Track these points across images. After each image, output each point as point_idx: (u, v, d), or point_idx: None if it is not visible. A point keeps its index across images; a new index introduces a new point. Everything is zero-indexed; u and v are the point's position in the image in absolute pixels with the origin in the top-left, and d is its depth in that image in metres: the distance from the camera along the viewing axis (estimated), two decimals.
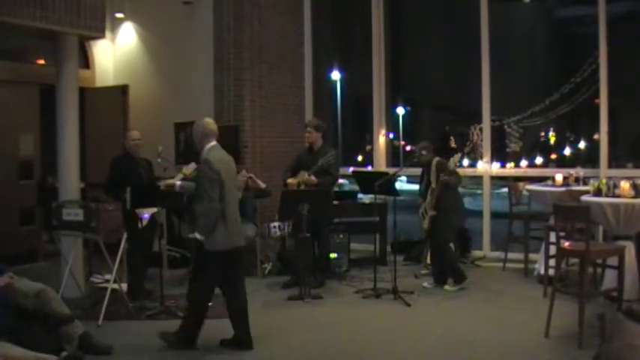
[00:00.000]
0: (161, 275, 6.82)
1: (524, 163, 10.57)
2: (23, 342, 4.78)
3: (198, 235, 5.35)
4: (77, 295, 6.69)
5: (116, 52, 10.82)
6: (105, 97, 10.20)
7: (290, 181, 7.88)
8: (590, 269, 6.45)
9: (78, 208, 6.66)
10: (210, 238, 5.33)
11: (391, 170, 8.63)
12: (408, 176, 13.14)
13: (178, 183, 6.78)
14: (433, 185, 7.46)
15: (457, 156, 7.58)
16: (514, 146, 9.52)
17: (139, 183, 6.52)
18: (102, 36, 8.23)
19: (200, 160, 5.53)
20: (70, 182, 7.51)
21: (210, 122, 5.61)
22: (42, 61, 9.96)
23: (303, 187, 7.70)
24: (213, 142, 5.50)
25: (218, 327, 5.77)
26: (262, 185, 8.20)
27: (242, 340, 5.56)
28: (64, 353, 4.94)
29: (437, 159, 7.53)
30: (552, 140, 13.17)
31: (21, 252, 8.99)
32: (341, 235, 8.56)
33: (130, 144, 7.21)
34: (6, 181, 9.43)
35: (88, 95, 9.77)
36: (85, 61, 10.35)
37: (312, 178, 7.63)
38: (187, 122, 9.99)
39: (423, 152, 7.61)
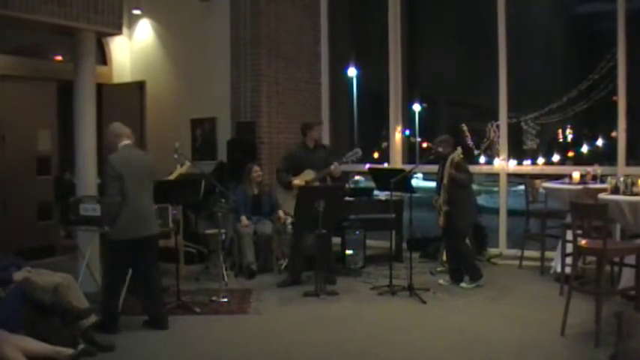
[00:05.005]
0: (177, 271, 6.86)
1: (541, 160, 10.50)
2: (42, 335, 4.83)
3: (105, 226, 5.98)
4: (94, 290, 6.72)
5: (133, 48, 10.88)
6: (122, 93, 10.26)
7: (296, 182, 7.60)
8: (608, 267, 6.40)
9: (95, 203, 6.71)
10: (113, 228, 5.83)
11: (407, 167, 8.60)
12: (424, 173, 13.10)
13: None
14: (444, 181, 7.44)
15: (459, 149, 7.48)
16: (531, 143, 9.45)
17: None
18: (119, 32, 8.28)
19: None
20: (87, 178, 7.58)
21: (118, 126, 6.08)
22: (60, 58, 10.01)
23: (317, 183, 7.58)
24: (126, 142, 5.99)
25: (234, 323, 5.77)
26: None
27: (156, 319, 6.02)
28: (81, 346, 4.98)
29: (453, 155, 7.47)
30: (570, 137, 13.07)
31: (39, 247, 9.10)
32: (357, 232, 8.55)
33: None
34: (24, 177, 9.51)
35: (106, 91, 9.83)
36: (103, 57, 10.41)
37: (340, 168, 7.56)
38: (204, 118, 10.10)
39: (440, 149, 7.56)
